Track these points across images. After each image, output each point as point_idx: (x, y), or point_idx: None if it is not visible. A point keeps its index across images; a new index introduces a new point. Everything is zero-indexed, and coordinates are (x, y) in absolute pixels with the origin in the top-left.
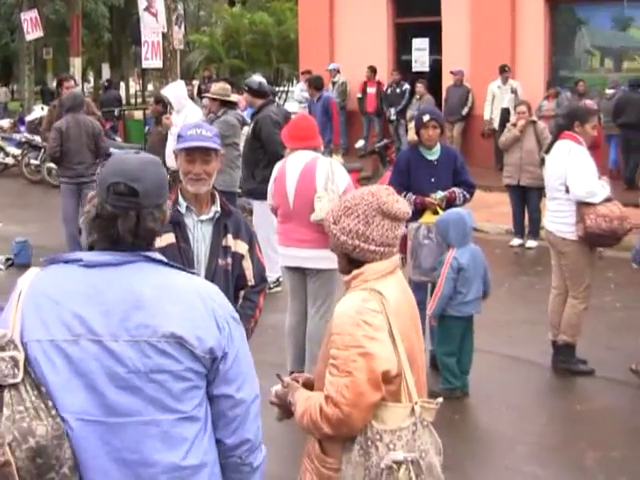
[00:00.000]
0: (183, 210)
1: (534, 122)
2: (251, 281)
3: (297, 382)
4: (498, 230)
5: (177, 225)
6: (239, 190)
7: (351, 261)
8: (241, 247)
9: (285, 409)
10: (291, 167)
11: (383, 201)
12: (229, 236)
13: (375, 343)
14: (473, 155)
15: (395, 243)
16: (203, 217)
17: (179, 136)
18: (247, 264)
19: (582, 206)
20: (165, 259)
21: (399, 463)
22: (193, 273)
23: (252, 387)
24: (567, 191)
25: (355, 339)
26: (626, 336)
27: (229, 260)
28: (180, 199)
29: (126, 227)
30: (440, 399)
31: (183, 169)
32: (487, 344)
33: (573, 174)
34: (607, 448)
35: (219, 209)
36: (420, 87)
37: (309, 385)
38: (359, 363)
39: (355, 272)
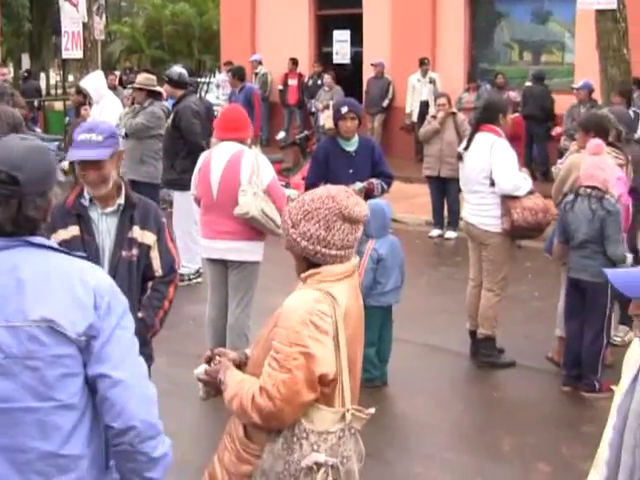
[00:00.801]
0: (87, 203)
1: (454, 114)
2: (158, 271)
3: (227, 358)
4: (418, 221)
5: (81, 218)
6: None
7: (310, 262)
8: (148, 238)
9: (214, 386)
10: (216, 158)
11: (344, 205)
12: (135, 227)
13: (318, 345)
14: (394, 147)
15: (354, 245)
16: (107, 210)
17: (73, 139)
18: (154, 254)
19: (507, 199)
20: (48, 242)
21: (319, 465)
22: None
23: (133, 368)
24: (492, 184)
25: (300, 337)
26: (542, 325)
27: (134, 252)
28: (85, 192)
29: (6, 215)
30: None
31: (78, 172)
32: (406, 333)
33: (499, 168)
34: (523, 434)
35: (123, 201)
36: (328, 78)
37: (240, 366)
38: (300, 362)
39: (312, 271)
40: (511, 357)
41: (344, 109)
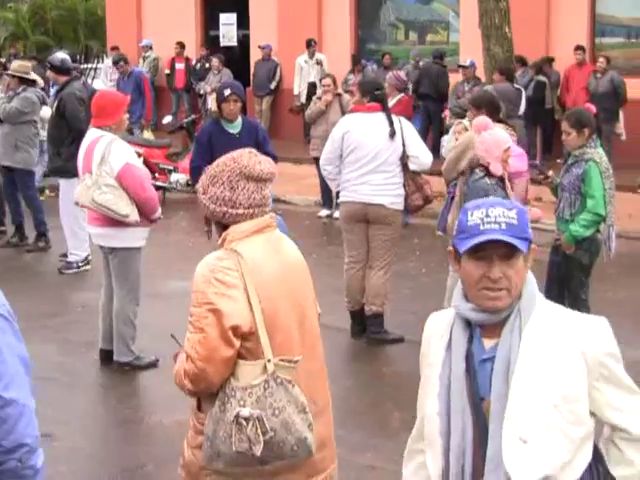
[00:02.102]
0: None
1: (339, 95)
2: None
3: None
4: (307, 202)
5: None
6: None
7: (222, 226)
8: None
9: None
10: (82, 146)
11: (244, 165)
12: None
13: (225, 300)
14: (282, 128)
15: (265, 203)
16: None
17: None
18: None
19: (416, 176)
20: None
21: (247, 419)
22: None
23: (22, 388)
24: (403, 162)
25: (206, 296)
26: (430, 301)
27: None
28: None
29: None
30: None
31: None
32: None
33: (417, 144)
34: (412, 409)
35: None
36: (216, 61)
37: None
38: (209, 319)
39: (223, 234)
40: (400, 332)
41: (227, 91)
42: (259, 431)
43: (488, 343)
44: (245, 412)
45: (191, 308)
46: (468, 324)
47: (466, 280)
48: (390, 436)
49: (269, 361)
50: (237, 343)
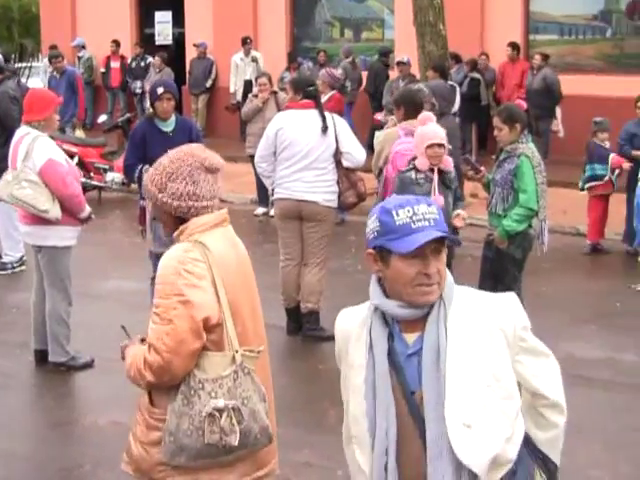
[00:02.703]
0: None
1: (275, 93)
2: None
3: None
4: (243, 200)
5: None
6: None
7: (179, 220)
8: None
9: None
10: (11, 143)
11: (204, 157)
12: None
13: (196, 291)
14: (218, 126)
15: (218, 194)
16: None
17: None
18: None
19: (350, 173)
20: None
21: (220, 410)
22: None
23: None
24: (336, 159)
25: (176, 287)
26: (365, 297)
27: None
28: None
29: None
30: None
31: None
32: None
33: (351, 141)
34: None
35: None
36: (157, 60)
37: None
38: (180, 311)
39: (181, 227)
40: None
41: (160, 90)
42: (234, 421)
43: (410, 338)
44: (220, 403)
45: (157, 299)
46: (385, 322)
47: (398, 279)
48: (326, 433)
49: (237, 352)
50: (204, 335)
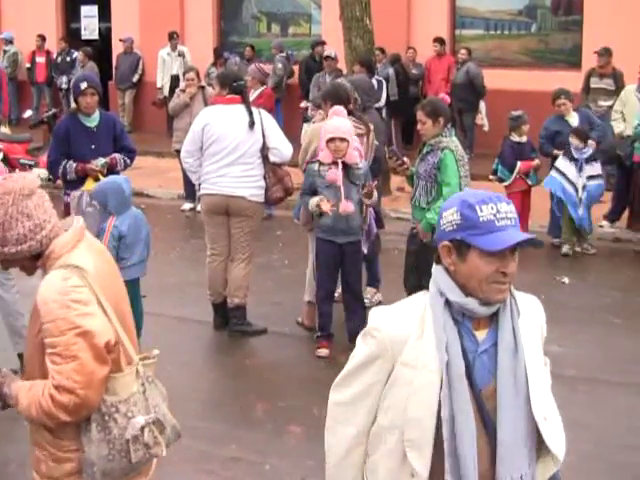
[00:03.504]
0: None
1: (203, 88)
2: None
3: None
4: (170, 195)
5: None
6: None
7: (37, 255)
8: None
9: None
10: None
11: (19, 188)
12: None
13: (90, 318)
14: (145, 121)
15: (50, 208)
16: None
17: None
18: None
19: (277, 168)
20: None
21: (142, 427)
22: None
23: None
24: (263, 154)
25: (69, 321)
26: (292, 291)
27: None
28: None
29: None
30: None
31: None
32: (158, 307)
33: (278, 136)
34: (275, 399)
35: None
36: (81, 55)
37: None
38: (81, 344)
39: (44, 256)
40: (263, 324)
41: (83, 85)
42: (156, 433)
43: (480, 335)
44: (141, 421)
45: (51, 340)
46: (454, 319)
47: (475, 275)
48: (254, 427)
49: (138, 364)
50: (109, 359)
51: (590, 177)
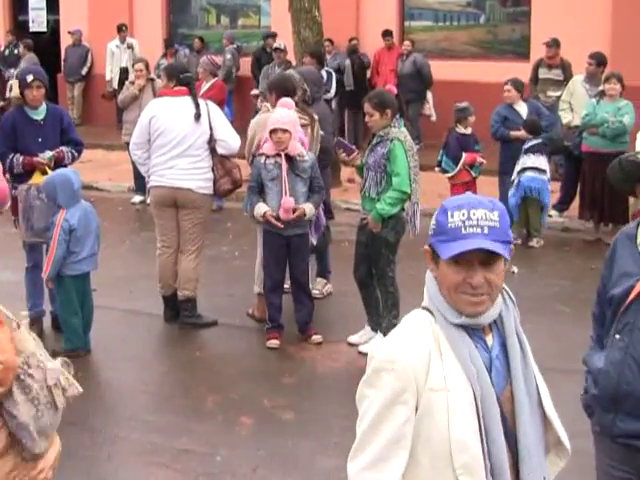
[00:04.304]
0: None
1: (152, 80)
2: None
3: None
4: (120, 188)
5: None
6: None
7: None
8: None
9: None
10: None
11: None
12: None
13: None
14: (95, 114)
15: None
16: None
17: None
18: None
19: (225, 160)
20: None
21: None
22: None
23: None
24: (211, 146)
25: None
26: (242, 283)
27: None
28: None
29: None
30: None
31: None
32: (109, 300)
33: (226, 128)
34: (226, 390)
35: None
36: (22, 47)
37: None
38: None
39: None
40: (214, 316)
41: (29, 77)
42: (67, 374)
43: (489, 340)
44: (57, 365)
45: None
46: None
47: (444, 282)
48: (204, 419)
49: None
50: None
51: (527, 169)
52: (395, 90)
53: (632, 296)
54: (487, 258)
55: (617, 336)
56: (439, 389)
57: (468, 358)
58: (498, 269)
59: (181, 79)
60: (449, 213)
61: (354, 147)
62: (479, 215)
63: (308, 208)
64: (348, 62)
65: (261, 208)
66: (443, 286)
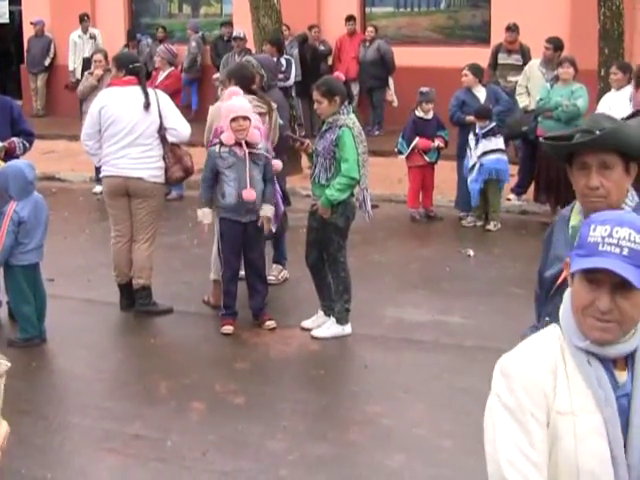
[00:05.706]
0: None
1: (110, 70)
2: None
3: None
4: (82, 178)
5: None
6: None
7: None
8: None
9: None
10: None
11: None
12: None
13: None
14: (58, 105)
15: None
16: None
17: None
18: None
19: (176, 148)
20: None
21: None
22: None
23: None
24: (161, 135)
25: None
26: (200, 271)
27: None
28: None
29: None
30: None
31: None
32: (66, 290)
33: (176, 116)
34: (179, 376)
35: None
36: None
37: None
38: None
39: None
40: (169, 304)
41: None
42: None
43: (620, 377)
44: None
45: None
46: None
47: (574, 302)
48: (157, 405)
49: None
50: None
51: (488, 152)
52: (343, 77)
53: (560, 280)
54: (623, 283)
55: (547, 318)
56: (566, 413)
57: (596, 382)
58: (635, 298)
59: (130, 69)
60: (592, 227)
61: (305, 139)
62: (622, 234)
63: (269, 210)
64: (296, 52)
65: (206, 217)
66: (573, 304)
